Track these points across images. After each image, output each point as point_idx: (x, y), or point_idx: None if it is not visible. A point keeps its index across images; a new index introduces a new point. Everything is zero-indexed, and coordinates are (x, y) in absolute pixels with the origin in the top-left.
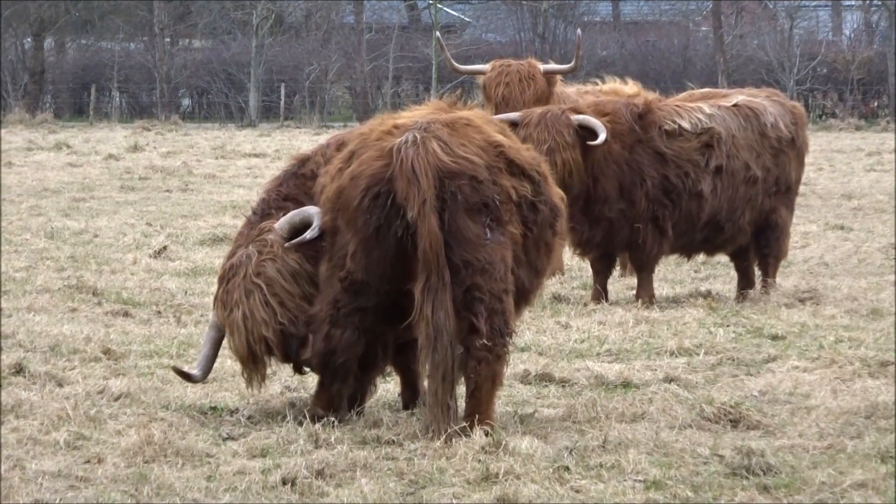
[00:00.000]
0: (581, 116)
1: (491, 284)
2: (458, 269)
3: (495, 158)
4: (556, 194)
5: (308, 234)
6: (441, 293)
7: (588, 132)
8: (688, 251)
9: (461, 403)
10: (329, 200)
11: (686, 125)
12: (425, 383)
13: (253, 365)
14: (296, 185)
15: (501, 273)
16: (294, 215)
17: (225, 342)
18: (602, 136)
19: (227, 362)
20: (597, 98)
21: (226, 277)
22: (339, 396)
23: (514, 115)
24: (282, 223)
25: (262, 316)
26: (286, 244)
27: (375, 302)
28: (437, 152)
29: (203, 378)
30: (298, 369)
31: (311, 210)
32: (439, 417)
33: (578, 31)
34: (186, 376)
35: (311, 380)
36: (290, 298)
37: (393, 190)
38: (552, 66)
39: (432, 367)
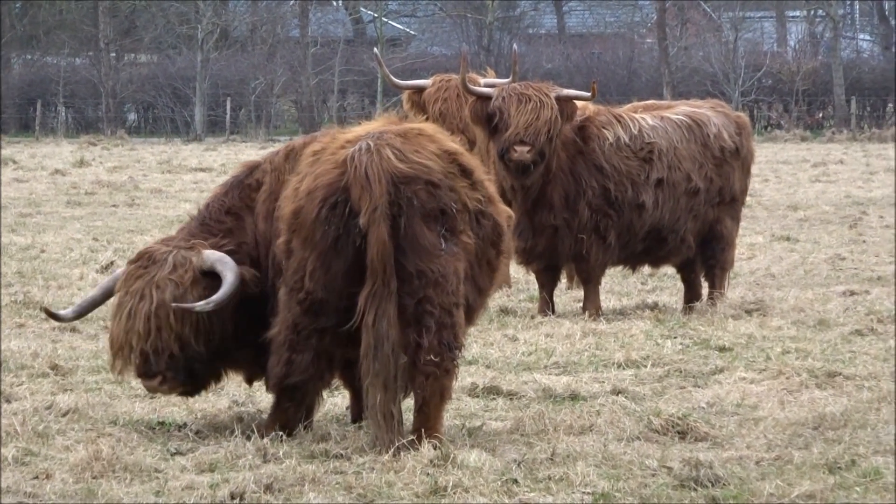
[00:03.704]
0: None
1: (442, 298)
2: (412, 279)
3: (450, 165)
4: (503, 213)
5: (203, 304)
6: (385, 302)
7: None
8: (631, 262)
9: (408, 416)
10: (285, 221)
11: (626, 138)
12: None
13: (122, 359)
14: (240, 196)
15: (454, 286)
16: (222, 264)
17: None
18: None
19: None
20: None
21: (145, 256)
22: (295, 419)
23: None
24: (208, 259)
25: (139, 327)
26: (193, 304)
27: (335, 321)
28: (390, 158)
29: (73, 318)
30: (249, 382)
31: (230, 273)
32: (382, 426)
33: (514, 46)
34: (54, 316)
35: (259, 394)
36: (168, 329)
37: (349, 198)
38: (493, 80)
39: (373, 376)
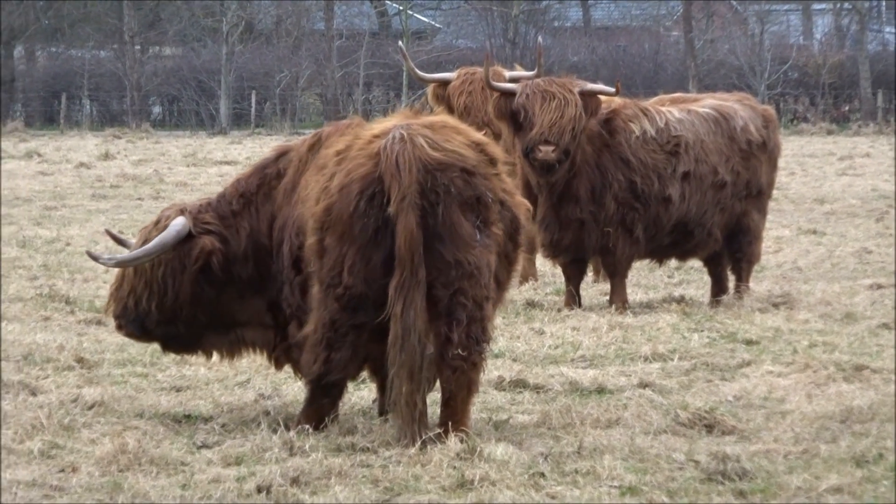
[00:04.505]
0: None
1: (475, 290)
2: (449, 269)
3: (480, 154)
4: (521, 205)
5: (106, 258)
6: (413, 291)
7: (594, 98)
8: (658, 256)
9: (435, 410)
10: (315, 220)
11: (652, 132)
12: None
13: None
14: (257, 183)
15: (486, 279)
16: (166, 230)
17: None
18: (611, 90)
19: (201, 370)
20: None
21: (159, 220)
22: (329, 413)
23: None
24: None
25: (115, 273)
26: (99, 256)
27: (372, 316)
28: (423, 147)
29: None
30: (278, 365)
31: (155, 240)
32: (406, 417)
33: (539, 38)
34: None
35: (286, 387)
36: (128, 281)
37: (385, 188)
38: (517, 73)
39: (398, 365)
